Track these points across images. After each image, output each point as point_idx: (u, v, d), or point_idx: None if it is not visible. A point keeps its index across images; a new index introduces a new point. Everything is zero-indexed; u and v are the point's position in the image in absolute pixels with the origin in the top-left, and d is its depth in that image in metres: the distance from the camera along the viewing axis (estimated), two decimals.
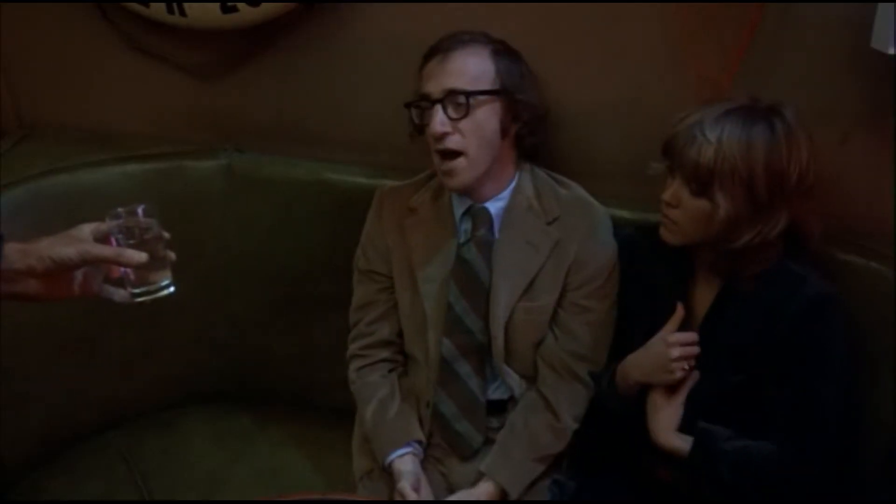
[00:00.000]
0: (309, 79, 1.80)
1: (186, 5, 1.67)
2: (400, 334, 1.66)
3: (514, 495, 1.53)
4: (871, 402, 1.45)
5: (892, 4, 1.32)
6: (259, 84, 1.83)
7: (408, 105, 1.52)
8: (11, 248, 1.06)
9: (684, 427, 1.44)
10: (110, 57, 1.85)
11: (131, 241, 1.13)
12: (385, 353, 1.67)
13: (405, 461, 1.57)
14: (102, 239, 1.13)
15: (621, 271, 1.56)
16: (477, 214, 1.56)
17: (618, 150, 1.66)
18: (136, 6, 1.71)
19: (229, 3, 1.65)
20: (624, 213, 1.62)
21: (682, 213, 1.38)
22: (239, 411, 1.91)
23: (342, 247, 1.71)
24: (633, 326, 1.55)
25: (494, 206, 1.56)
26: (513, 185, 1.57)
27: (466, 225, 1.57)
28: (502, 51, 1.51)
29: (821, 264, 1.45)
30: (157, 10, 1.70)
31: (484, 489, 1.54)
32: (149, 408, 1.90)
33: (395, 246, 1.61)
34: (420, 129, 1.52)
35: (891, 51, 1.33)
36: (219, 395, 1.94)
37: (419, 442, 1.60)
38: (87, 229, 1.12)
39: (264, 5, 1.66)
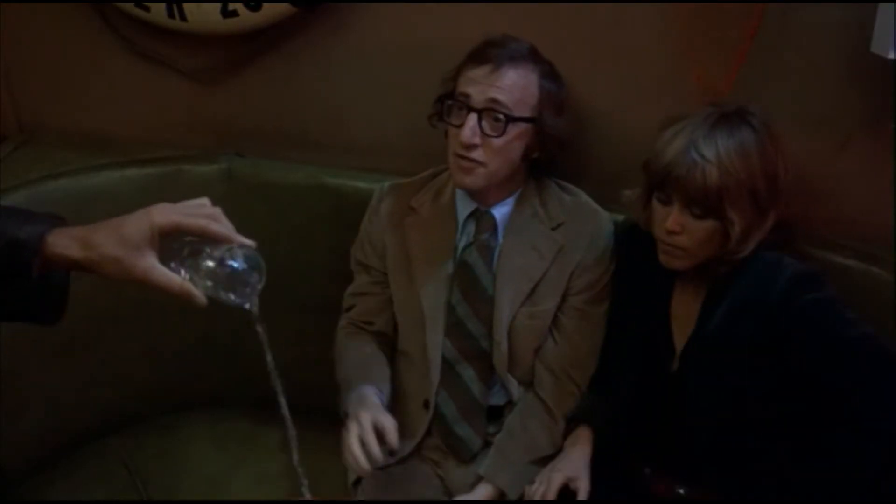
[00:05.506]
0: (309, 83, 1.80)
1: (187, 10, 1.68)
2: (395, 329, 1.66)
3: (513, 497, 1.53)
4: None
5: (892, 8, 1.32)
6: (259, 89, 1.83)
7: (442, 98, 1.50)
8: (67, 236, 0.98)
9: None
10: (111, 61, 1.85)
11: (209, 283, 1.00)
12: (376, 337, 1.66)
13: (370, 394, 1.50)
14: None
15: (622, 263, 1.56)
16: (482, 219, 1.56)
17: (618, 154, 1.66)
18: (137, 10, 1.72)
19: (230, 8, 1.66)
20: (623, 218, 1.62)
21: (688, 238, 1.35)
22: (239, 416, 1.91)
23: (341, 251, 1.71)
24: (615, 326, 1.55)
25: (499, 212, 1.56)
26: (519, 191, 1.57)
27: (470, 228, 1.57)
28: (549, 74, 1.50)
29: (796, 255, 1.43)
30: (158, 15, 1.70)
31: (482, 492, 1.54)
32: (149, 412, 1.90)
33: (391, 243, 1.61)
34: (440, 117, 1.51)
35: (891, 55, 1.33)
36: (219, 400, 1.94)
37: (382, 394, 1.54)
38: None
39: (264, 10, 1.66)
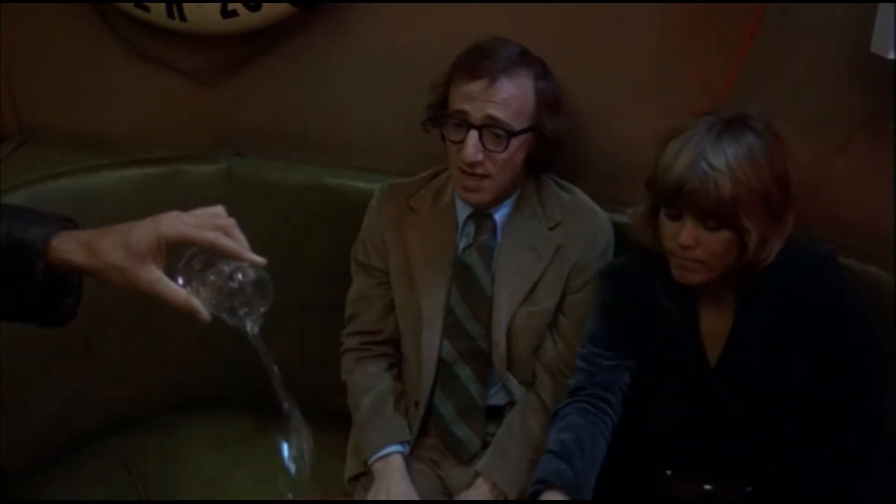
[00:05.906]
0: (309, 84, 1.80)
1: (187, 10, 1.68)
2: (399, 332, 1.66)
3: (511, 494, 1.52)
4: None
5: (892, 8, 1.32)
6: (259, 89, 1.83)
7: (435, 107, 1.51)
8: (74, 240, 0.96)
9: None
10: (110, 62, 1.85)
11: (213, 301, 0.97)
12: (385, 349, 1.67)
13: (397, 460, 1.57)
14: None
15: (624, 305, 1.49)
16: (481, 221, 1.57)
17: (617, 153, 1.66)
18: (136, 11, 1.72)
19: (229, 8, 1.66)
20: (622, 218, 1.61)
21: (704, 251, 1.31)
22: (239, 416, 1.91)
23: (341, 251, 1.71)
24: (643, 361, 1.49)
25: (499, 214, 1.56)
26: (518, 192, 1.57)
27: (469, 229, 1.57)
28: (542, 75, 1.49)
29: None
30: (158, 15, 1.70)
31: (480, 489, 1.54)
32: (149, 412, 1.90)
33: (392, 242, 1.61)
34: (434, 124, 1.51)
35: (890, 55, 1.33)
36: (219, 400, 1.94)
37: (406, 443, 1.60)
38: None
39: (264, 10, 1.66)
